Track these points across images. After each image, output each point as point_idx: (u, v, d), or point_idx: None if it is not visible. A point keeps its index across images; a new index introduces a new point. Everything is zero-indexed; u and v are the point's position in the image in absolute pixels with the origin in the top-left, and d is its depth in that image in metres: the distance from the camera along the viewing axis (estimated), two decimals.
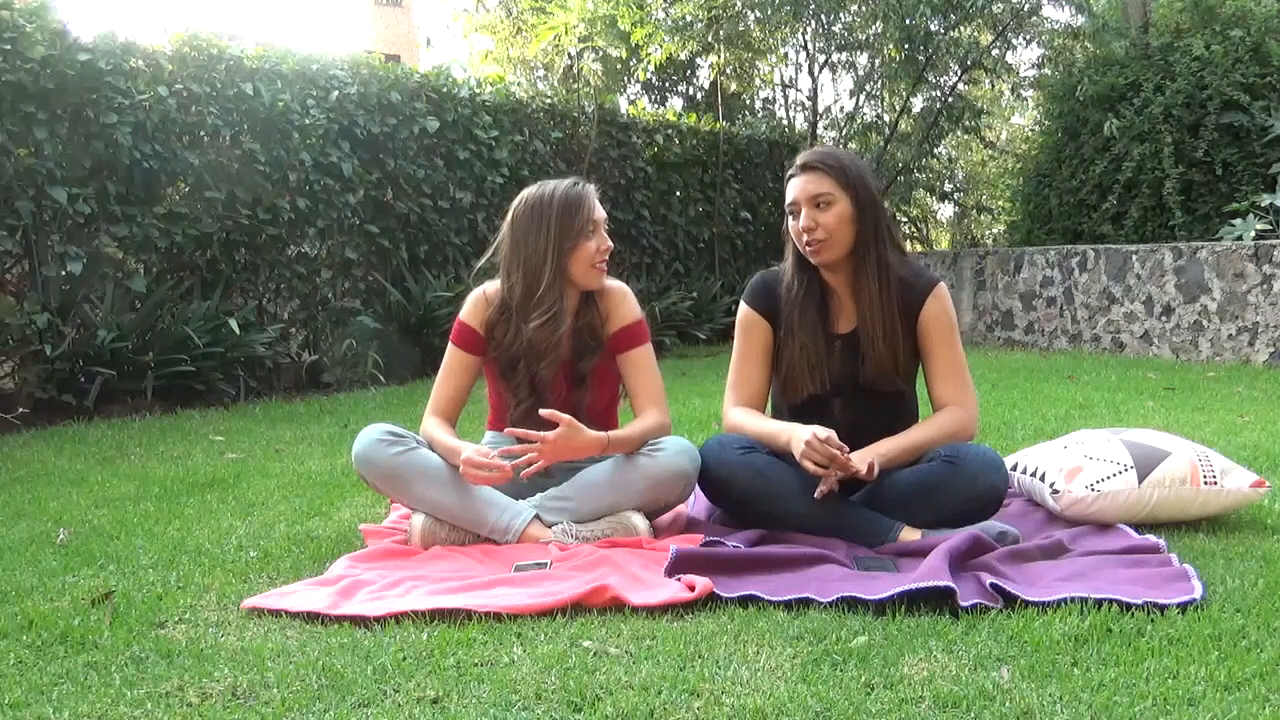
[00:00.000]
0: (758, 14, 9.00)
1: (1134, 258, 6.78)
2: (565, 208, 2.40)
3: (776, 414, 2.53)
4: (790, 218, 2.38)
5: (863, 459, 2.18)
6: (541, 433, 2.25)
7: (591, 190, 2.47)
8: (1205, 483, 2.36)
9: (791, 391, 2.41)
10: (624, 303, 2.49)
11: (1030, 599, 1.83)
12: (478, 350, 2.49)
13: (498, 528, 2.32)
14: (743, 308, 2.50)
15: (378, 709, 1.47)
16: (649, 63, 9.21)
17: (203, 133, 5.25)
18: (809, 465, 2.16)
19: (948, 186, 13.21)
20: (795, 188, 2.36)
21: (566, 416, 2.26)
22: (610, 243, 2.47)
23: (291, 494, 2.97)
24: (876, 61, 9.86)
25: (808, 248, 2.34)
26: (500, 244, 2.49)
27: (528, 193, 2.47)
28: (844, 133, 10.57)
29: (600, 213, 2.46)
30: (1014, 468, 2.64)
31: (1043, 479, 2.50)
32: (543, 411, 2.27)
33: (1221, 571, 2.02)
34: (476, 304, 2.49)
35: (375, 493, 2.67)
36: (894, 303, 2.35)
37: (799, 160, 2.38)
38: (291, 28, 28.11)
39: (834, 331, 2.41)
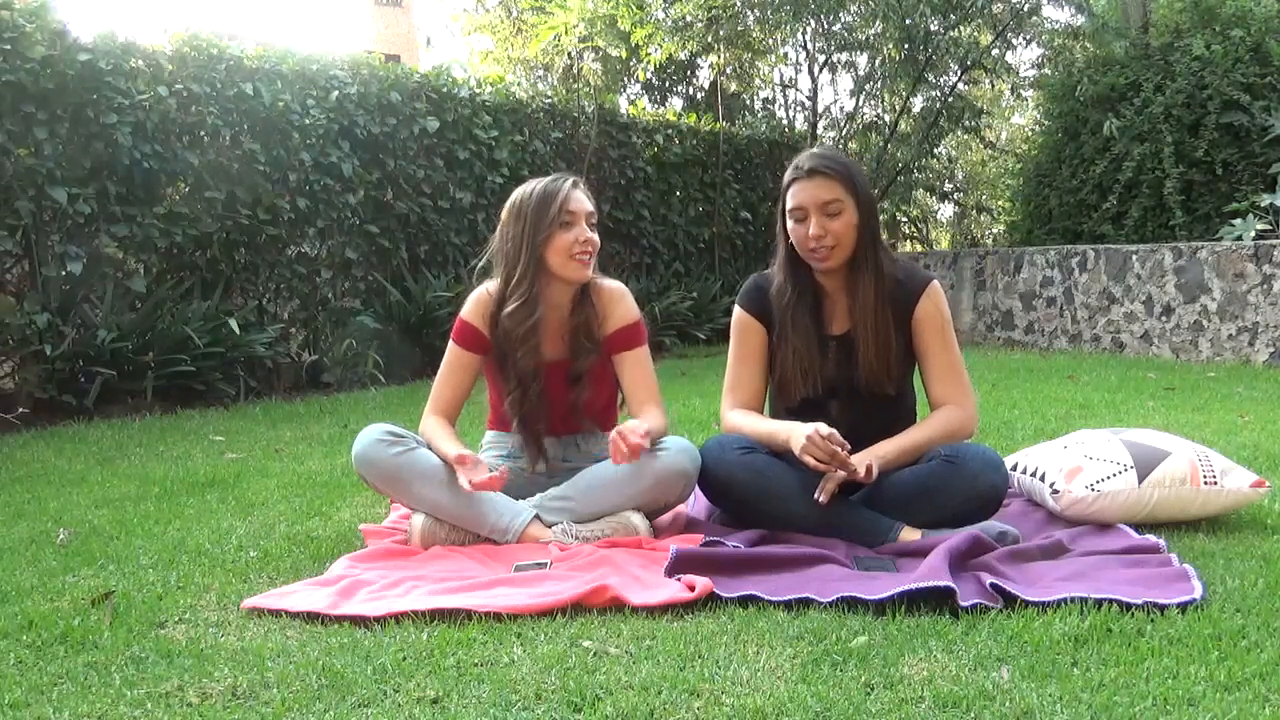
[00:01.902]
0: (757, 14, 9.00)
1: (1134, 258, 6.78)
2: (541, 199, 2.41)
3: (774, 416, 2.53)
4: (791, 221, 2.34)
5: (861, 461, 2.18)
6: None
7: (571, 183, 2.45)
8: (1205, 483, 2.36)
9: (785, 394, 2.41)
10: (621, 303, 2.49)
11: (1030, 599, 1.83)
12: (479, 348, 2.49)
13: (498, 528, 2.32)
14: (737, 311, 2.49)
15: (378, 709, 1.47)
16: (649, 63, 9.21)
17: (203, 133, 5.25)
18: (809, 461, 2.16)
19: (948, 186, 13.21)
20: (803, 193, 2.31)
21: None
22: (591, 235, 2.44)
23: (291, 494, 2.97)
24: (876, 61, 9.86)
25: (814, 254, 2.32)
26: (492, 242, 2.51)
27: (516, 190, 2.49)
28: (844, 133, 10.58)
29: (580, 204, 2.43)
30: (1014, 468, 2.64)
31: (1043, 479, 2.50)
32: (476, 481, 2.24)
33: (1221, 571, 2.02)
34: (479, 302, 2.49)
35: (375, 493, 2.66)
36: (888, 304, 2.35)
37: (804, 165, 2.33)
38: (291, 28, 28.14)
39: (828, 333, 2.41)
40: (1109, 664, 1.58)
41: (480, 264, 2.58)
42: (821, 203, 2.29)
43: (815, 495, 2.18)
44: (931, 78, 9.73)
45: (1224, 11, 7.77)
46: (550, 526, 2.33)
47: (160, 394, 4.82)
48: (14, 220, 4.54)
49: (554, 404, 2.44)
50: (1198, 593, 1.84)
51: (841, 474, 2.17)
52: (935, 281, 2.42)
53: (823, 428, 2.15)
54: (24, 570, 2.22)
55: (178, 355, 4.78)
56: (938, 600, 1.83)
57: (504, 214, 2.48)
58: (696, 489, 2.38)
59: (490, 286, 2.50)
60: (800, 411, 2.38)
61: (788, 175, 2.38)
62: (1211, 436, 3.46)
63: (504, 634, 1.75)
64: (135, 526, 2.61)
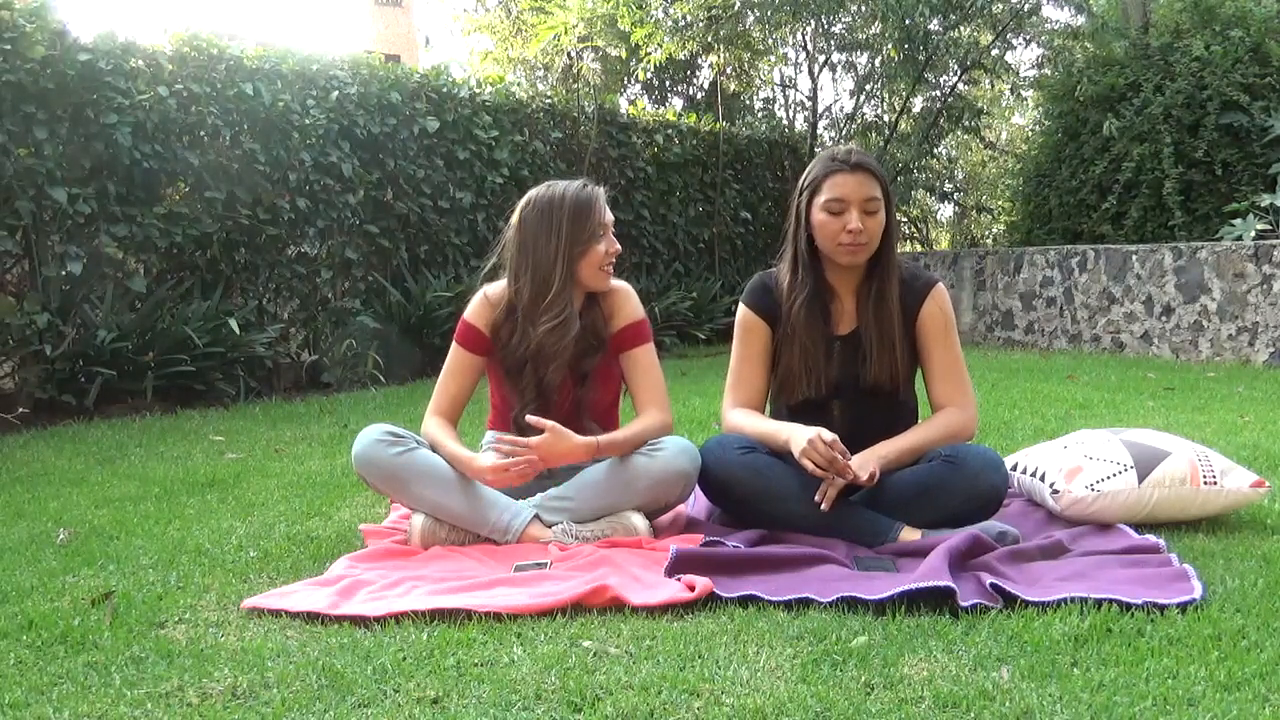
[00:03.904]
0: (757, 14, 9.01)
1: (1134, 258, 6.78)
2: (576, 211, 2.39)
3: (775, 415, 2.53)
4: (824, 214, 2.31)
5: (864, 464, 2.18)
6: (529, 439, 2.27)
7: (600, 193, 2.45)
8: (1205, 483, 2.36)
9: (788, 393, 2.41)
10: (628, 302, 2.49)
11: (1030, 599, 1.83)
12: (482, 350, 2.49)
13: (498, 528, 2.32)
14: (742, 309, 2.49)
15: (378, 709, 1.47)
16: (649, 63, 9.21)
17: (203, 133, 5.25)
18: (808, 464, 2.16)
19: (948, 186, 13.21)
20: (845, 186, 2.29)
21: (550, 423, 2.26)
22: (618, 245, 2.47)
23: (291, 494, 2.97)
24: (876, 61, 9.86)
25: (844, 248, 2.31)
26: (506, 244, 2.48)
27: (536, 194, 2.45)
28: (844, 133, 10.58)
29: (609, 215, 2.46)
30: (1014, 468, 2.64)
31: (1043, 479, 2.50)
32: (529, 418, 2.27)
33: (1221, 571, 2.02)
34: (480, 305, 2.49)
35: (375, 493, 2.67)
36: (898, 301, 2.35)
37: (849, 159, 2.32)
38: (291, 28, 28.13)
39: (834, 333, 2.41)
40: (1109, 664, 1.58)
41: (488, 268, 2.56)
42: (864, 198, 2.29)
43: (816, 499, 2.18)
44: (931, 78, 9.73)
45: (1224, 12, 7.77)
46: (550, 526, 2.33)
47: (160, 394, 4.82)
48: (14, 220, 4.53)
49: (558, 404, 2.44)
50: (1198, 593, 1.84)
51: (842, 481, 2.17)
52: (940, 283, 2.42)
53: (825, 433, 2.15)
54: (24, 570, 2.22)
55: (178, 355, 4.77)
56: (938, 600, 1.83)
57: (527, 220, 2.42)
58: (697, 489, 2.39)
59: (490, 290, 2.49)
60: (802, 411, 2.38)
61: (823, 167, 2.35)
62: (1211, 436, 3.46)
63: (504, 634, 1.75)
64: (135, 526, 2.61)
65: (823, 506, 2.17)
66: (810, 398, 2.37)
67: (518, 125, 7.03)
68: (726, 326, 2.66)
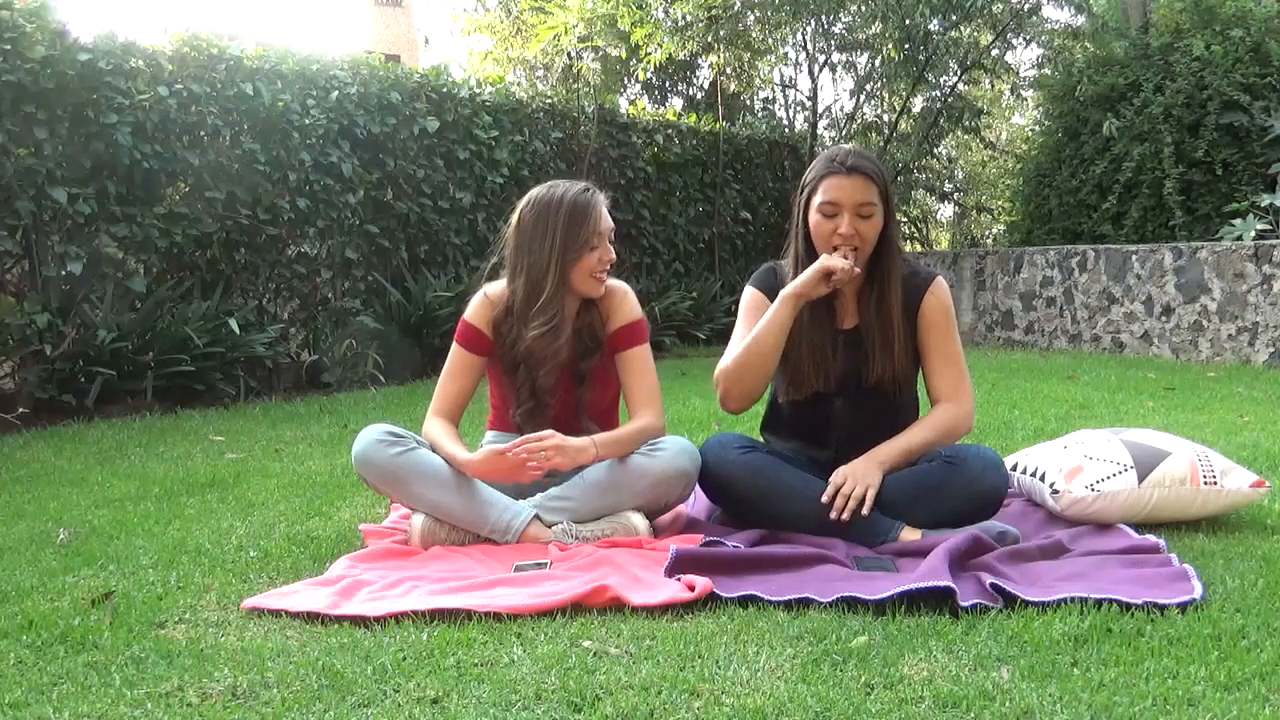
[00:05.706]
0: (757, 14, 9.01)
1: (1134, 258, 6.79)
2: (571, 216, 2.39)
3: (775, 412, 2.53)
4: (818, 215, 2.30)
5: (864, 478, 2.21)
6: (542, 433, 2.29)
7: (600, 199, 2.45)
8: (1205, 483, 2.36)
9: (796, 388, 2.40)
10: (625, 302, 2.49)
11: (1030, 599, 1.83)
12: (482, 350, 2.49)
13: (498, 527, 2.32)
14: (749, 291, 2.46)
15: (378, 709, 1.47)
16: (649, 63, 9.21)
17: (203, 133, 5.25)
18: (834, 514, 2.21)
19: (948, 186, 13.21)
20: (840, 190, 2.27)
21: (543, 437, 2.27)
22: (614, 254, 2.46)
23: (291, 494, 2.97)
24: (876, 61, 9.86)
25: (836, 253, 2.30)
26: (505, 243, 2.48)
27: (536, 194, 2.44)
28: (844, 133, 10.58)
29: (607, 222, 2.44)
30: (1014, 468, 2.64)
31: (1043, 479, 2.50)
32: (513, 451, 2.26)
33: (1221, 571, 2.02)
34: (480, 305, 2.49)
35: (375, 493, 2.67)
36: (899, 303, 2.35)
37: (846, 161, 2.28)
38: (291, 28, 28.15)
39: (839, 327, 2.41)
40: (1109, 664, 1.58)
41: (489, 266, 2.55)
42: (857, 203, 2.27)
43: (832, 516, 2.20)
44: (931, 78, 9.73)
45: (1224, 11, 7.77)
46: (550, 526, 2.33)
47: (160, 394, 4.82)
48: (14, 220, 4.54)
49: (559, 404, 2.44)
50: (1198, 593, 1.84)
51: (859, 497, 2.20)
52: (940, 278, 2.42)
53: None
54: (24, 570, 2.22)
55: (178, 355, 4.77)
56: (938, 600, 1.83)
57: (524, 221, 2.42)
58: (697, 489, 2.38)
59: (490, 289, 2.49)
60: (806, 406, 2.38)
61: (821, 168, 2.32)
62: (1211, 436, 3.46)
63: (504, 634, 1.75)
64: (135, 526, 2.61)
65: (844, 516, 2.19)
66: (819, 392, 2.37)
67: (518, 125, 7.03)
68: (726, 326, 2.64)
